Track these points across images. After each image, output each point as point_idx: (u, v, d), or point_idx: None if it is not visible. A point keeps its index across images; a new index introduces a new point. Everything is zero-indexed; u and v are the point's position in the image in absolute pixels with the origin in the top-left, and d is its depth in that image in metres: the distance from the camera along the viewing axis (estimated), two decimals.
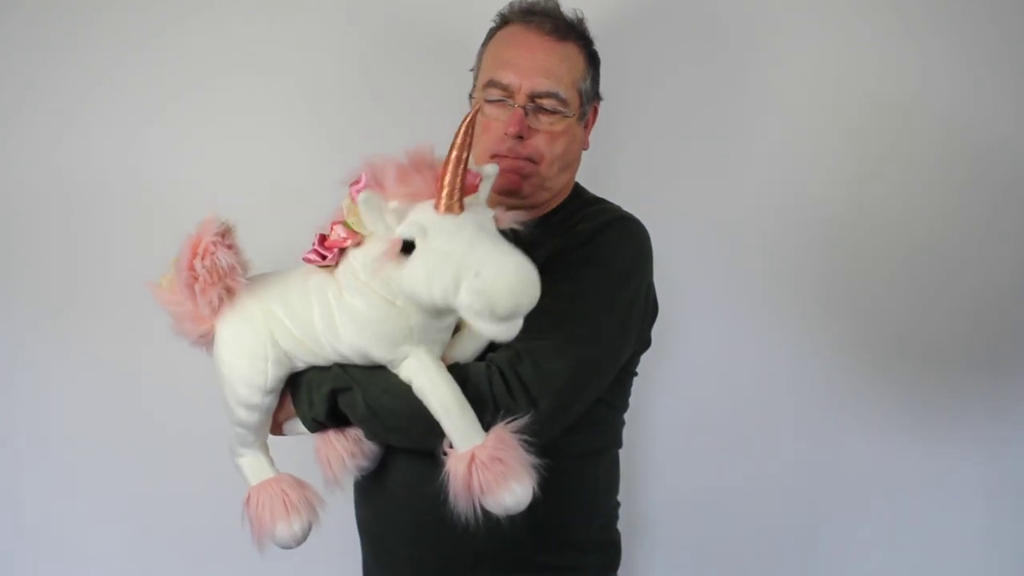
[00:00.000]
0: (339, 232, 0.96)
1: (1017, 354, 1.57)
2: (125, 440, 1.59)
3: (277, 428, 1.12)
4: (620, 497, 1.25)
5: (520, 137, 1.11)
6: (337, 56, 1.54)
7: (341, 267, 0.98)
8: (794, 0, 1.52)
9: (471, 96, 1.21)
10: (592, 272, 1.08)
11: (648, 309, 1.18)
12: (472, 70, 1.22)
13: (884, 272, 1.56)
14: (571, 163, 1.19)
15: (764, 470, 1.59)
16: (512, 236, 0.92)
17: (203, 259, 0.98)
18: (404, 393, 0.98)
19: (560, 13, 1.17)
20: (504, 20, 1.19)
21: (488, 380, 0.99)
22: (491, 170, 0.97)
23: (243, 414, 1.04)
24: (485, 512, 0.93)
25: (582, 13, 1.19)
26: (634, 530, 1.41)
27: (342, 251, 0.97)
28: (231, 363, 1.02)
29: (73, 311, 1.57)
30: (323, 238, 0.98)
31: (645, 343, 1.21)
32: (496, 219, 0.92)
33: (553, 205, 1.20)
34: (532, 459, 0.94)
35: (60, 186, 1.55)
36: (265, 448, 1.11)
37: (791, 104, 1.54)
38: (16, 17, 1.53)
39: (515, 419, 0.95)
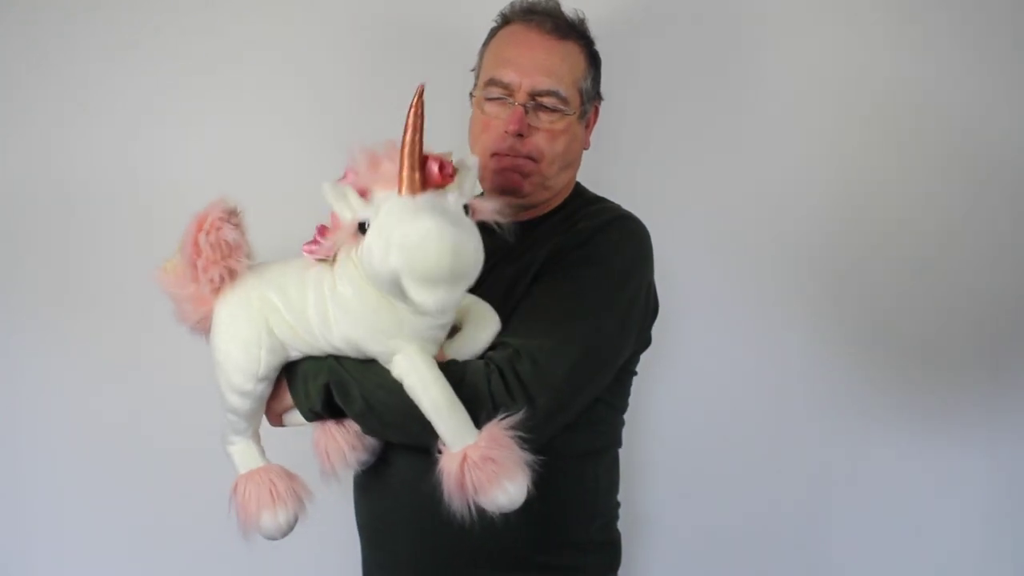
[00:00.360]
0: (339, 221, 0.95)
1: (1017, 354, 1.57)
2: (126, 440, 1.58)
3: (277, 419, 1.11)
4: (620, 497, 1.25)
5: (520, 135, 1.11)
6: (337, 55, 1.54)
7: (339, 258, 0.98)
8: (799, 2, 1.53)
9: (472, 95, 1.21)
10: (592, 271, 1.08)
11: (648, 308, 1.17)
12: (473, 70, 1.23)
13: (884, 272, 1.56)
14: (572, 162, 1.19)
15: (764, 470, 1.59)
16: (498, 231, 0.93)
17: (208, 234, 0.98)
18: (400, 389, 0.97)
19: (561, 13, 1.18)
20: (505, 19, 1.19)
21: (486, 378, 0.99)
22: (471, 161, 0.97)
23: (235, 400, 1.04)
24: (480, 511, 0.93)
25: (583, 13, 1.20)
26: (634, 530, 1.41)
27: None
28: (225, 349, 1.02)
29: (72, 311, 1.57)
30: (323, 229, 0.98)
31: (645, 342, 1.21)
32: (472, 209, 0.92)
33: (554, 204, 1.20)
34: (527, 457, 0.93)
35: (59, 185, 1.55)
36: (257, 437, 1.10)
37: (793, 104, 1.54)
38: (12, 16, 1.53)
39: (508, 416, 0.94)
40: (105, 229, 1.56)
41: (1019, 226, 1.55)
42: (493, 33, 1.20)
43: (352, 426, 1.07)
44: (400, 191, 0.89)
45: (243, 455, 1.09)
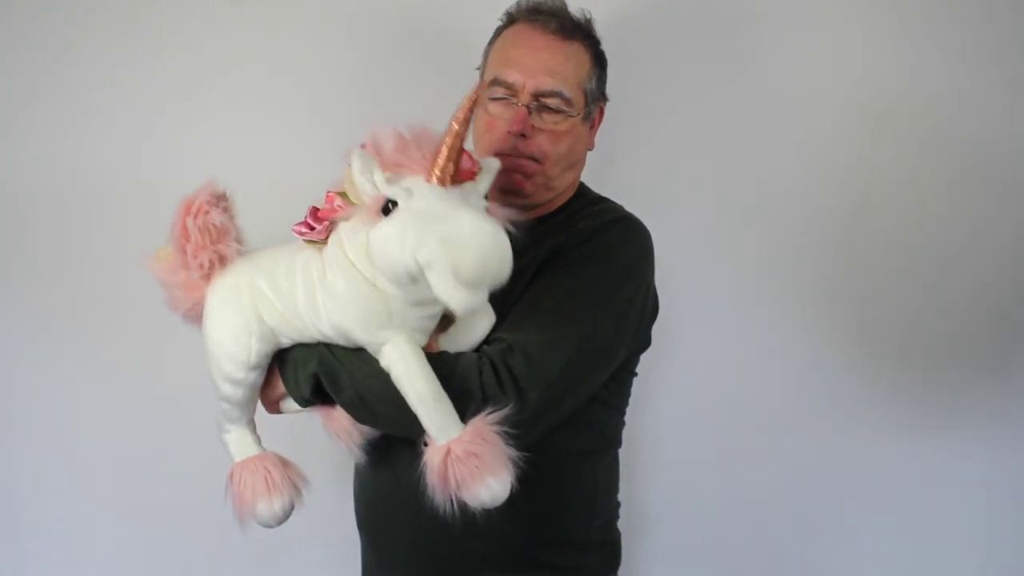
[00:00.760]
0: (335, 203, 0.95)
1: (1017, 354, 1.57)
2: (127, 441, 1.59)
3: (274, 407, 1.12)
4: (620, 497, 1.26)
5: (523, 136, 1.11)
6: (340, 56, 1.54)
7: (330, 243, 0.96)
8: (801, 2, 1.52)
9: None
10: (591, 269, 1.08)
11: (648, 309, 1.17)
12: (478, 69, 1.22)
13: (884, 272, 1.56)
14: (575, 163, 1.19)
15: (764, 470, 1.59)
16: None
17: (196, 217, 0.98)
18: (389, 378, 0.96)
19: (567, 12, 1.17)
20: (511, 19, 1.19)
21: (478, 371, 0.98)
22: (493, 163, 0.97)
23: (228, 389, 1.04)
24: (462, 505, 0.92)
25: (590, 13, 1.19)
26: (634, 530, 1.41)
27: (332, 225, 0.96)
28: (216, 337, 1.02)
29: (75, 311, 1.57)
30: (315, 210, 0.97)
31: (645, 343, 1.21)
32: (487, 211, 0.91)
33: (557, 204, 1.20)
34: (511, 453, 0.92)
35: (62, 186, 1.55)
36: (252, 425, 1.10)
37: (794, 106, 1.54)
38: (20, 17, 1.53)
39: (494, 411, 0.93)
40: (109, 230, 1.56)
41: (1017, 225, 1.54)
42: (498, 32, 1.20)
43: None
44: (430, 179, 0.87)
45: (238, 443, 1.09)
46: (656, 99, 1.53)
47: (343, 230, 0.95)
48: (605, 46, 1.21)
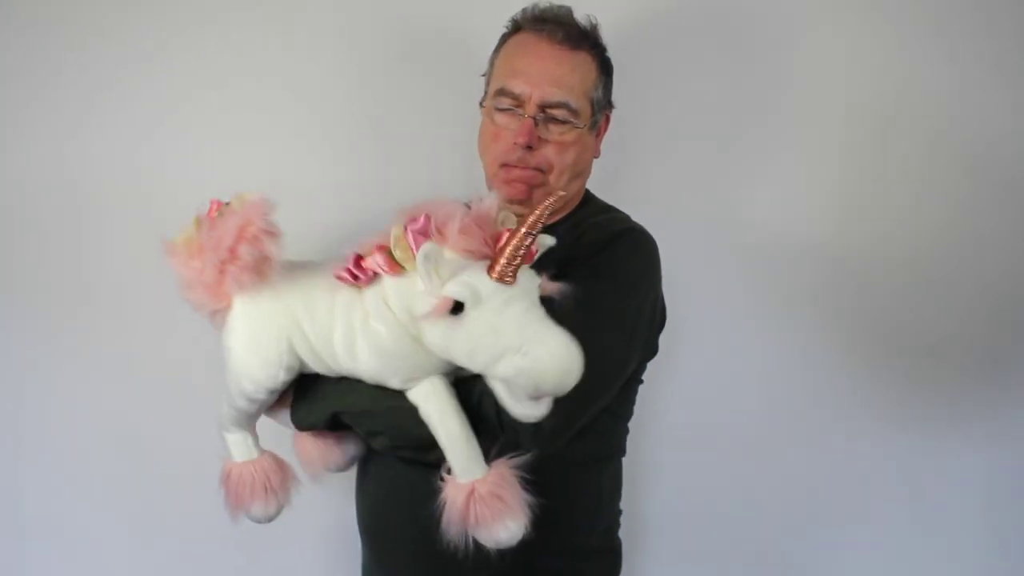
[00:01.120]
0: (379, 260, 0.93)
1: (1017, 354, 1.57)
2: (129, 442, 1.58)
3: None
4: (623, 504, 1.26)
5: (530, 147, 1.10)
6: (342, 60, 1.52)
7: (371, 290, 0.96)
8: (808, 10, 1.51)
9: (482, 104, 1.19)
10: (600, 285, 1.07)
11: (655, 319, 1.17)
12: (484, 75, 1.21)
13: (890, 280, 1.55)
14: (581, 172, 1.18)
15: (767, 478, 1.59)
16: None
17: (251, 244, 0.94)
18: (422, 422, 0.98)
19: (573, 20, 1.15)
20: (516, 26, 1.17)
21: (495, 404, 0.97)
22: (549, 241, 0.96)
23: (243, 404, 1.05)
24: (475, 542, 0.95)
25: (596, 19, 1.18)
26: (636, 538, 1.41)
27: (376, 276, 0.95)
28: (244, 359, 1.01)
29: (77, 312, 1.56)
30: (358, 258, 0.95)
31: (652, 350, 1.21)
32: (541, 287, 0.91)
33: (563, 213, 1.19)
34: (528, 498, 0.96)
35: (65, 187, 1.54)
36: (254, 429, 1.12)
37: (798, 112, 1.53)
38: (22, 20, 1.51)
39: (518, 455, 0.96)
40: (111, 231, 1.55)
41: (1017, 226, 1.54)
42: (504, 40, 1.19)
43: (330, 437, 1.11)
44: (493, 274, 0.87)
45: (239, 445, 1.11)
46: (667, 106, 1.52)
47: (389, 285, 0.94)
48: (611, 52, 1.20)
